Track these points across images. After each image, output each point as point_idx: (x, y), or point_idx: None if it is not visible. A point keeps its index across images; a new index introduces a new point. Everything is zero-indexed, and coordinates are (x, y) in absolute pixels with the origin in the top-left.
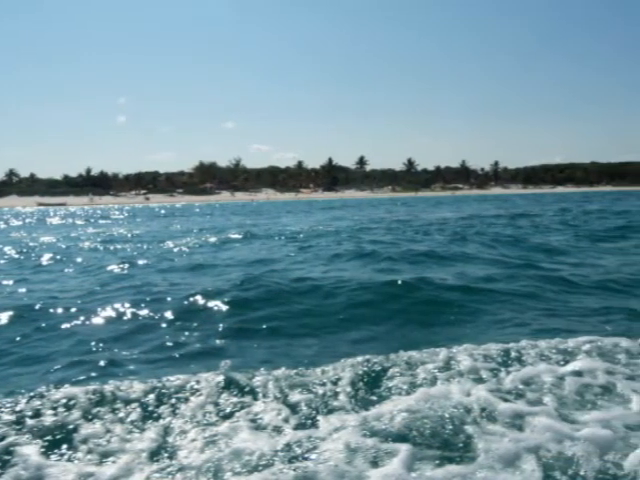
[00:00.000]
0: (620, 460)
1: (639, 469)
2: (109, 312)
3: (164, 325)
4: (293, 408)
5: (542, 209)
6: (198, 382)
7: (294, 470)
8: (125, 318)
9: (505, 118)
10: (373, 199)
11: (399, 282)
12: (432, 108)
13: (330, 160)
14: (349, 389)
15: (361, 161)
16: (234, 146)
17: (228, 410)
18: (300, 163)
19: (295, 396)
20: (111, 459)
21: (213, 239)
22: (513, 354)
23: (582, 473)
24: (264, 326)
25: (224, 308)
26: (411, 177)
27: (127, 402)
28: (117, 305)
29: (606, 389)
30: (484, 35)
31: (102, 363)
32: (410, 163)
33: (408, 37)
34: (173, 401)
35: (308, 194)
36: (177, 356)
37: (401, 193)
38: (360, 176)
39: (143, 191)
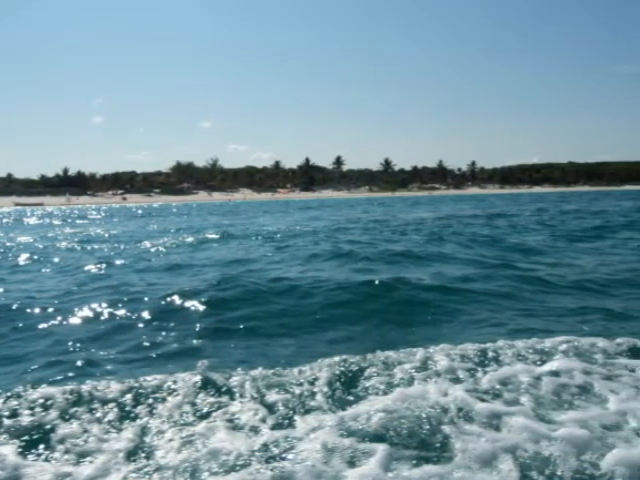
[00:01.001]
0: (597, 460)
1: (616, 469)
2: (86, 312)
3: (141, 325)
4: (270, 408)
5: (519, 209)
6: (175, 382)
7: (271, 470)
8: (102, 318)
9: (482, 118)
10: (350, 199)
11: (376, 282)
12: (409, 108)
13: (307, 160)
14: (326, 389)
15: (338, 161)
16: (211, 146)
17: (205, 410)
18: (277, 163)
19: (272, 396)
20: (88, 459)
21: (190, 239)
22: (490, 354)
23: (559, 473)
24: (241, 326)
25: (201, 308)
26: (388, 177)
27: (104, 402)
28: (94, 305)
29: (583, 389)
30: (461, 34)
31: (79, 363)
32: (387, 163)
33: (385, 36)
34: (150, 401)
35: (285, 194)
36: (154, 356)
37: (378, 193)
38: (337, 176)
39: (120, 191)
